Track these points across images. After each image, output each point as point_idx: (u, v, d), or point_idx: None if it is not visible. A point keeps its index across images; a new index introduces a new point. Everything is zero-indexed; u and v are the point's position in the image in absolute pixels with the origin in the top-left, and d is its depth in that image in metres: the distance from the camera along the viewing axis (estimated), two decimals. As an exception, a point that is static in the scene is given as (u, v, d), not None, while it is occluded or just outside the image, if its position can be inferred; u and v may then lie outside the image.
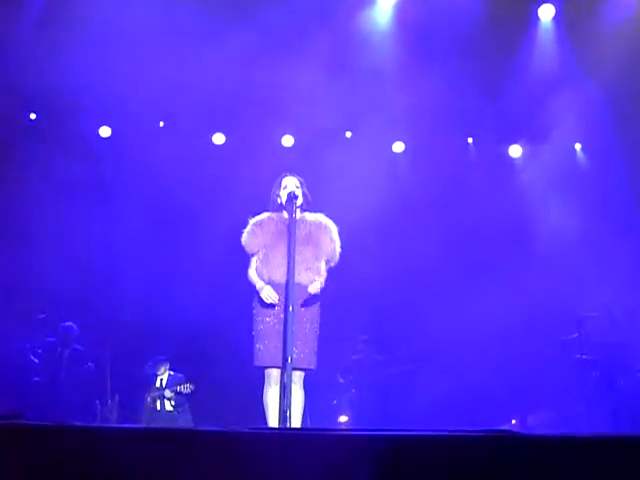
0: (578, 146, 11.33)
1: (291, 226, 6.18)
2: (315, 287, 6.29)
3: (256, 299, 6.36)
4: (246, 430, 4.06)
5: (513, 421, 9.64)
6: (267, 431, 4.68)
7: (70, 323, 10.14)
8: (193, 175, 10.59)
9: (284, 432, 4.87)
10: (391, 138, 11.33)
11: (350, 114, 10.59)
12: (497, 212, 10.64)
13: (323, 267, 6.48)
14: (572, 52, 10.05)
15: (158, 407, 9.87)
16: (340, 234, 6.60)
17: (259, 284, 6.33)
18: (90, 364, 9.95)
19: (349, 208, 9.24)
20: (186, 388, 9.66)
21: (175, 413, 9.79)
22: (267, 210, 6.62)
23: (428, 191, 10.75)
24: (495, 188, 10.88)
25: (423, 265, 10.51)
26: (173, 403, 9.81)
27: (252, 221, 6.56)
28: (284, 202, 6.44)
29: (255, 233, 6.48)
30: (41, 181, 10.29)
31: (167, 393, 9.82)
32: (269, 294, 6.24)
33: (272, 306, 6.23)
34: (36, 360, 9.95)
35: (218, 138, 11.30)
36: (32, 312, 10.06)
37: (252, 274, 6.45)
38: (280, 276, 6.19)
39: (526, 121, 10.80)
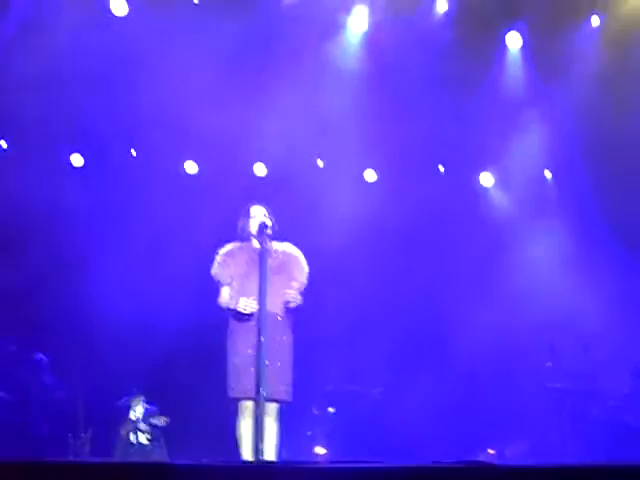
0: (548, 174, 11.37)
1: (263, 256, 6.17)
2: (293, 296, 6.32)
3: (229, 330, 6.35)
4: (219, 464, 4.04)
5: (490, 450, 9.61)
6: (239, 464, 4.66)
7: (41, 355, 10.04)
8: (164, 204, 10.52)
9: (256, 466, 4.84)
10: (362, 166, 11.33)
11: (322, 142, 10.60)
12: (470, 240, 10.65)
13: None
14: (540, 79, 10.16)
15: (132, 440, 9.76)
16: (313, 263, 6.63)
17: (232, 303, 6.31)
18: (61, 396, 9.85)
19: (322, 237, 9.28)
20: (161, 421, 9.58)
21: (150, 446, 9.67)
22: (235, 240, 6.61)
23: (401, 219, 10.73)
24: (467, 216, 10.90)
25: (395, 294, 10.53)
26: (148, 436, 9.70)
27: (222, 251, 6.56)
28: (254, 232, 6.43)
29: (227, 263, 6.47)
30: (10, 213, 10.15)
31: (142, 426, 9.71)
32: (246, 303, 6.21)
33: (246, 337, 6.19)
34: (4, 394, 9.82)
35: (190, 167, 11.25)
36: (1, 344, 9.96)
37: (222, 300, 6.44)
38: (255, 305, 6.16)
39: (496, 148, 10.84)
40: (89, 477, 3.86)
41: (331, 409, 10.00)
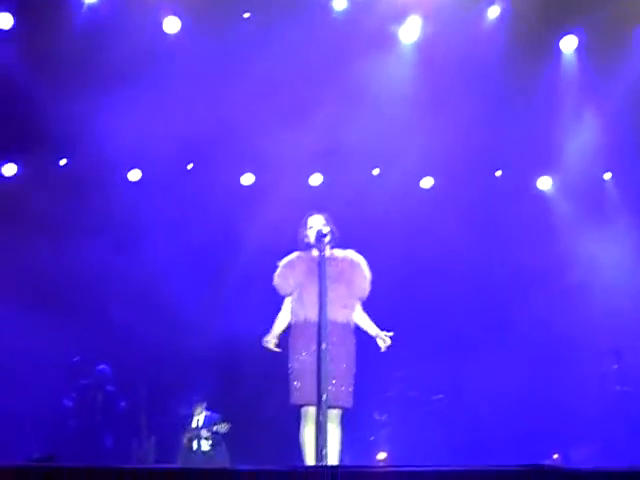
0: (608, 175, 11.25)
1: (321, 264, 6.17)
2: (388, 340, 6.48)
3: (291, 338, 6.39)
4: (283, 469, 4.06)
5: (555, 455, 9.52)
6: (303, 469, 4.67)
7: (103, 366, 10.21)
8: (222, 216, 10.62)
9: (321, 470, 4.85)
10: (419, 174, 11.32)
11: (378, 151, 10.62)
12: (530, 244, 10.58)
13: (358, 304, 6.54)
14: (596, 81, 10.04)
15: (195, 447, 9.85)
16: (371, 271, 6.62)
17: (271, 333, 6.51)
18: (124, 405, 10.00)
19: (379, 245, 9.27)
20: (222, 428, 9.64)
21: (212, 453, 9.76)
22: (296, 250, 6.65)
23: (458, 224, 10.70)
24: (526, 220, 10.81)
25: (455, 299, 10.48)
26: (210, 443, 9.79)
27: (282, 263, 6.60)
28: (313, 241, 6.44)
29: (287, 275, 6.52)
30: (68, 225, 10.32)
31: (204, 433, 9.80)
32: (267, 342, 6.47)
33: (309, 345, 6.22)
34: (70, 404, 10.01)
35: (247, 179, 11.36)
36: (66, 355, 10.13)
37: (281, 315, 6.55)
38: (315, 315, 6.15)
39: (554, 152, 10.75)
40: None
41: (382, 416, 10.02)
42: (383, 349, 6.49)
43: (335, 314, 6.23)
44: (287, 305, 6.52)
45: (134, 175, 11.19)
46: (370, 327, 6.55)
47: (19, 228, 10.26)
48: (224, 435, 9.76)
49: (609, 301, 10.01)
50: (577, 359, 9.99)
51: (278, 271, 6.57)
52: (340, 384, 6.18)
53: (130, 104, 9.56)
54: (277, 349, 6.41)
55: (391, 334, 6.48)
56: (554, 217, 11.07)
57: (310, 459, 6.11)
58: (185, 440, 9.89)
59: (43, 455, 4.47)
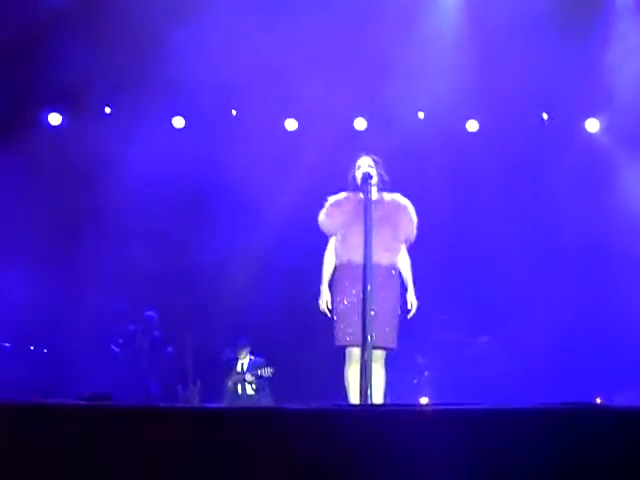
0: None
1: (367, 206, 6.15)
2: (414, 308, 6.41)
3: (335, 279, 6.39)
4: (329, 407, 4.08)
5: (598, 400, 9.48)
6: (350, 408, 4.70)
7: (150, 312, 10.32)
8: (268, 161, 10.61)
9: (365, 408, 4.88)
10: (464, 117, 11.19)
11: (422, 94, 10.50)
12: (577, 188, 10.44)
13: (403, 248, 6.50)
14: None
15: (239, 391, 9.97)
16: (418, 214, 6.58)
17: (323, 283, 6.44)
18: (170, 350, 10.12)
19: (425, 189, 9.23)
20: (267, 372, 9.73)
21: (257, 397, 9.87)
22: (344, 191, 6.61)
23: (504, 169, 10.60)
24: (573, 164, 10.65)
25: (499, 245, 10.40)
26: (254, 387, 9.89)
27: (329, 201, 6.56)
28: (359, 182, 6.41)
29: (332, 214, 6.49)
30: (117, 175, 10.38)
31: (248, 377, 9.91)
32: (322, 302, 6.39)
33: (352, 286, 6.23)
34: (117, 349, 10.15)
35: (290, 124, 11.32)
36: (112, 301, 10.26)
37: (327, 258, 6.50)
38: (359, 257, 6.15)
39: (602, 93, 10.54)
40: (199, 423, 3.94)
41: (424, 360, 10.04)
42: (410, 314, 6.43)
43: (379, 257, 6.20)
44: (331, 246, 6.50)
45: (178, 122, 11.19)
46: (408, 278, 6.50)
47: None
48: (268, 379, 9.86)
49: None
50: (621, 304, 9.90)
51: (325, 210, 6.55)
52: (384, 325, 6.18)
53: (174, 49, 9.59)
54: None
55: (415, 307, 6.41)
56: (603, 160, 10.85)
57: (355, 399, 6.13)
58: (230, 384, 10.01)
59: (98, 394, 4.52)
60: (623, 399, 9.31)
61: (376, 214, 6.22)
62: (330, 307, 6.36)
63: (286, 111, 11.21)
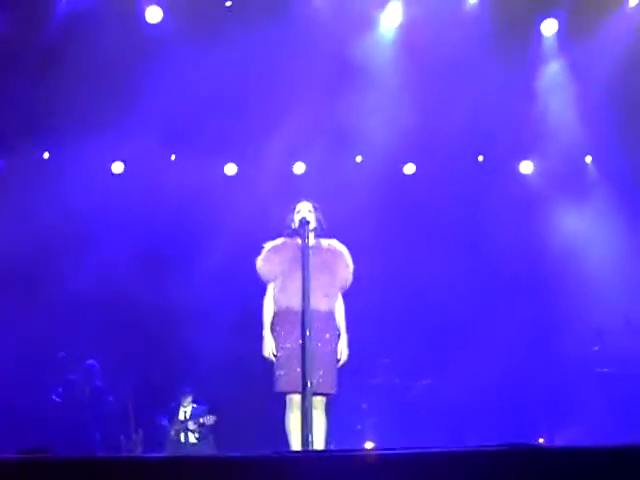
0: (589, 159, 11.29)
1: (304, 251, 6.18)
2: (344, 356, 6.38)
3: (274, 326, 6.37)
4: (271, 455, 4.07)
5: (541, 439, 9.56)
6: (292, 454, 4.69)
7: (91, 361, 10.19)
8: (206, 206, 10.62)
9: (307, 454, 4.87)
10: (401, 160, 11.34)
11: (360, 138, 10.62)
12: (511, 227, 10.62)
13: (339, 294, 6.52)
14: (576, 65, 10.08)
15: (182, 440, 9.89)
16: (354, 258, 6.62)
17: (265, 330, 6.39)
18: (112, 400, 10.00)
19: (363, 231, 9.29)
20: (209, 420, 9.67)
21: (199, 445, 9.79)
22: (282, 236, 6.64)
23: (441, 210, 10.75)
24: (508, 204, 10.85)
25: (437, 286, 10.49)
26: (197, 435, 9.82)
27: (267, 247, 6.56)
28: (297, 227, 6.44)
29: (270, 260, 6.48)
30: (51, 217, 10.30)
31: (191, 425, 9.83)
32: (266, 349, 6.33)
33: (291, 332, 6.23)
34: (57, 399, 10.00)
35: (230, 169, 11.36)
36: (52, 350, 10.12)
37: (266, 304, 6.47)
38: (297, 303, 6.17)
39: (535, 136, 10.78)
40: (142, 472, 3.91)
41: (365, 405, 10.05)
42: (340, 363, 6.40)
43: (317, 303, 6.22)
44: (270, 293, 6.48)
45: (117, 168, 11.18)
46: (341, 326, 6.49)
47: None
48: (211, 427, 9.79)
49: (591, 283, 10.09)
50: (559, 341, 10.05)
51: (262, 255, 6.53)
52: (324, 371, 6.18)
53: (111, 96, 9.60)
54: (270, 350, 6.33)
55: (345, 356, 6.40)
56: (536, 200, 11.08)
57: (296, 446, 6.11)
58: (172, 432, 9.92)
59: (35, 447, 4.45)
60: (566, 437, 9.43)
61: (314, 260, 6.25)
62: (275, 352, 6.33)
63: (226, 156, 11.24)
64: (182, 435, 9.90)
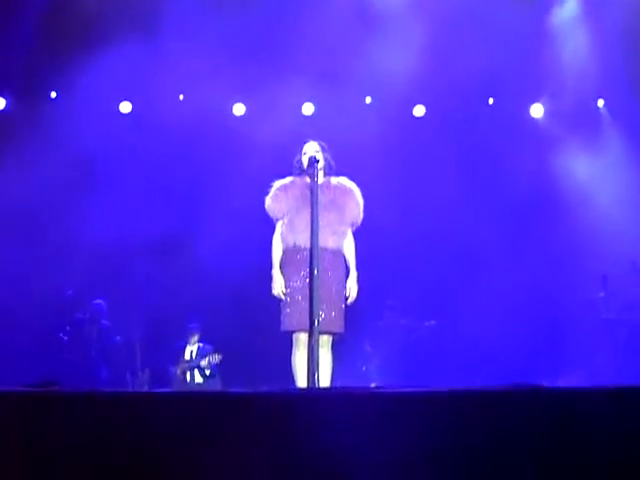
0: (601, 102, 11.21)
1: (314, 190, 6.17)
2: (354, 293, 6.36)
3: (282, 264, 6.36)
4: (277, 391, 4.11)
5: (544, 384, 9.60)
6: (296, 391, 4.74)
7: (99, 300, 10.26)
8: (215, 146, 10.60)
9: (313, 392, 4.92)
10: (411, 102, 11.27)
11: (369, 79, 10.55)
12: (520, 172, 10.58)
13: (349, 232, 6.52)
14: (590, 6, 9.97)
15: (188, 379, 9.97)
16: (364, 199, 6.60)
17: (274, 269, 6.35)
18: (119, 339, 10.08)
19: (372, 173, 9.26)
20: (215, 358, 9.74)
21: (205, 384, 9.87)
22: (290, 175, 6.62)
23: (451, 153, 10.69)
24: (518, 148, 10.79)
25: (445, 227, 10.52)
26: (203, 374, 9.90)
27: (275, 185, 6.53)
28: (305, 167, 6.42)
29: (279, 197, 6.45)
30: (60, 162, 10.30)
31: (197, 364, 9.91)
32: (275, 287, 6.29)
33: (298, 271, 6.24)
34: (65, 337, 10.08)
35: (238, 109, 11.30)
36: (60, 288, 10.18)
37: (275, 243, 6.44)
38: (305, 240, 6.19)
39: (546, 79, 10.69)
40: (149, 408, 3.95)
41: (371, 347, 10.11)
42: (349, 300, 6.39)
43: (325, 240, 6.22)
44: (278, 231, 6.46)
45: (125, 107, 11.13)
46: (351, 263, 6.49)
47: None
48: (217, 366, 9.86)
49: (599, 228, 10.07)
50: (564, 286, 10.06)
51: (271, 193, 6.50)
52: (331, 309, 6.18)
53: (118, 36, 9.54)
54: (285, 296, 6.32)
55: (355, 293, 6.40)
56: (547, 143, 11.02)
57: (302, 384, 6.14)
58: (178, 372, 10.00)
59: (42, 381, 4.49)
60: (567, 382, 9.48)
61: (322, 198, 6.25)
62: (284, 291, 6.34)
63: (234, 96, 11.19)
64: (188, 374, 9.98)
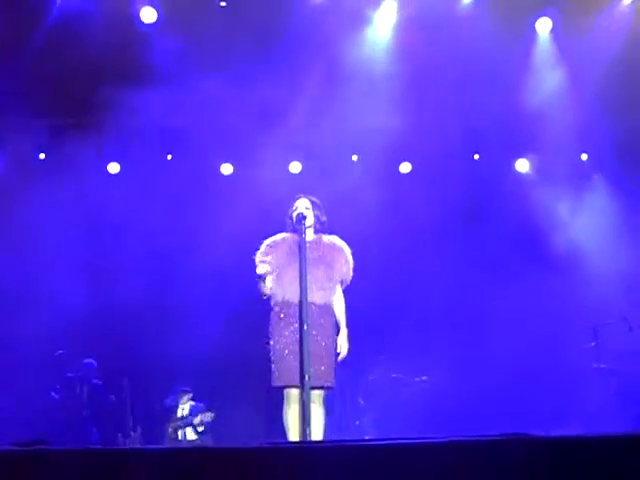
0: (584, 156, 11.34)
1: (301, 246, 6.22)
2: (344, 350, 6.41)
3: (271, 320, 6.41)
4: (267, 445, 4.09)
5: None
6: (288, 445, 4.71)
7: (90, 359, 10.23)
8: (202, 205, 10.65)
9: (306, 445, 4.90)
10: (397, 159, 11.37)
11: (355, 137, 10.65)
12: (508, 225, 10.65)
13: (339, 288, 6.56)
14: (571, 63, 10.12)
15: (180, 437, 9.91)
16: (353, 256, 6.66)
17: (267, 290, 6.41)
18: (111, 397, 10.02)
19: (360, 230, 9.31)
20: (207, 417, 9.70)
21: (197, 442, 9.82)
22: (282, 232, 6.68)
23: (437, 209, 10.75)
24: (504, 202, 10.89)
25: (434, 283, 10.53)
26: (195, 432, 9.85)
27: (266, 242, 6.62)
28: (295, 222, 6.48)
29: (268, 253, 6.53)
30: (51, 216, 10.33)
31: (189, 422, 9.86)
32: (260, 268, 6.36)
33: (287, 326, 6.27)
34: (56, 396, 10.03)
35: (226, 168, 11.38)
36: (51, 348, 10.14)
37: (263, 290, 6.49)
38: (293, 295, 6.24)
39: (531, 135, 10.82)
40: (141, 464, 3.93)
41: (363, 401, 10.06)
42: (340, 357, 6.43)
43: (313, 296, 6.26)
44: (267, 285, 6.49)
45: (113, 168, 11.20)
46: (341, 320, 6.55)
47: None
48: (209, 424, 9.82)
49: (587, 278, 10.12)
50: (555, 336, 10.06)
51: (261, 249, 6.59)
52: (320, 364, 6.21)
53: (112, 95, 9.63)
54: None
55: (345, 350, 6.43)
56: (532, 198, 11.11)
57: (294, 439, 6.14)
58: (170, 430, 9.95)
59: (32, 440, 4.47)
60: (561, 432, 9.42)
61: (311, 254, 6.31)
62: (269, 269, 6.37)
63: (222, 156, 11.27)
64: (180, 432, 9.93)
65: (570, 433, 8.77)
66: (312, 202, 6.68)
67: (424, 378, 10.24)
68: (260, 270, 6.44)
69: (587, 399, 9.42)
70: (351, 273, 6.62)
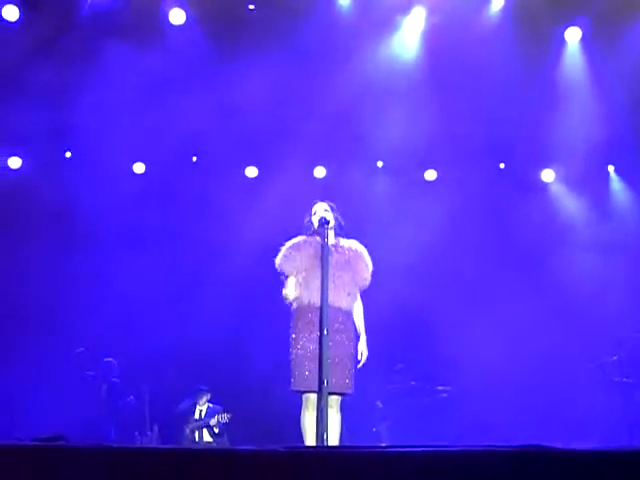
0: (611, 168, 11.28)
1: (324, 249, 6.20)
2: (364, 357, 6.39)
3: (292, 324, 6.38)
4: (282, 449, 4.08)
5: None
6: (304, 450, 4.69)
7: (110, 359, 10.26)
8: (226, 208, 10.66)
9: (321, 450, 4.87)
10: (423, 166, 11.34)
11: (381, 143, 10.64)
12: (532, 235, 10.60)
13: (358, 294, 6.54)
14: (599, 73, 10.06)
15: (197, 438, 9.92)
16: (373, 262, 6.63)
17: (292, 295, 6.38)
18: (130, 397, 10.05)
19: (382, 236, 9.30)
20: (224, 418, 9.70)
21: (214, 444, 9.82)
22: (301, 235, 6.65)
23: (462, 217, 10.72)
24: (529, 212, 10.83)
25: (457, 292, 10.49)
26: (212, 434, 9.85)
27: (288, 244, 6.55)
28: (316, 226, 6.46)
29: (292, 256, 6.45)
30: (77, 221, 10.40)
31: (206, 424, 9.87)
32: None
33: (310, 330, 6.22)
34: (75, 394, 10.05)
35: (251, 171, 11.40)
36: (71, 346, 10.19)
37: (287, 291, 6.42)
38: (319, 299, 6.15)
39: (555, 145, 10.76)
40: (157, 463, 3.93)
41: (382, 404, 10.03)
42: (360, 363, 6.40)
43: (340, 300, 6.25)
44: (289, 285, 6.43)
45: (139, 168, 11.25)
46: (360, 326, 6.52)
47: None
48: (226, 425, 9.82)
49: (611, 291, 10.05)
50: (578, 349, 9.98)
51: (283, 252, 6.50)
52: (341, 370, 6.18)
53: (133, 98, 9.67)
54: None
55: (365, 357, 6.41)
56: (558, 208, 11.06)
57: (311, 444, 6.11)
58: (187, 431, 9.95)
59: (51, 435, 4.49)
60: (582, 446, 9.33)
61: (337, 258, 6.31)
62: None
63: (247, 159, 11.29)
64: (197, 434, 9.94)
65: (590, 447, 8.77)
66: (330, 206, 6.66)
67: (448, 388, 10.17)
68: (287, 268, 6.43)
69: (609, 413, 9.35)
70: (370, 279, 6.59)
